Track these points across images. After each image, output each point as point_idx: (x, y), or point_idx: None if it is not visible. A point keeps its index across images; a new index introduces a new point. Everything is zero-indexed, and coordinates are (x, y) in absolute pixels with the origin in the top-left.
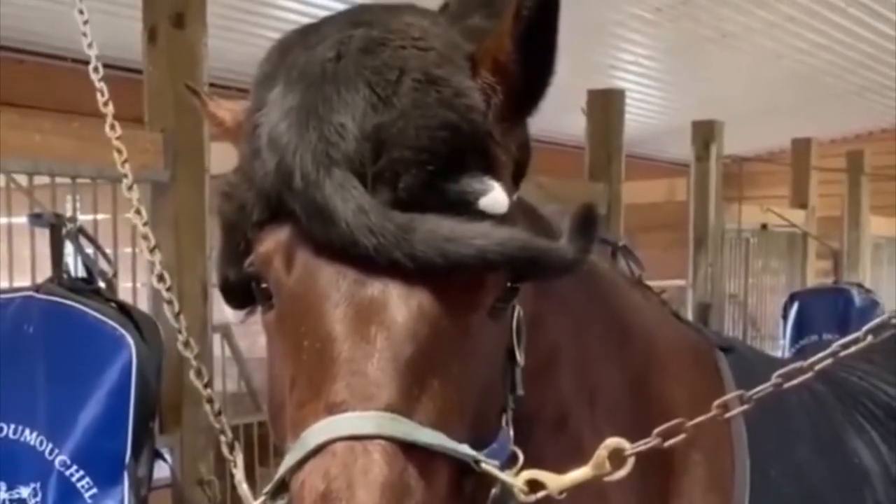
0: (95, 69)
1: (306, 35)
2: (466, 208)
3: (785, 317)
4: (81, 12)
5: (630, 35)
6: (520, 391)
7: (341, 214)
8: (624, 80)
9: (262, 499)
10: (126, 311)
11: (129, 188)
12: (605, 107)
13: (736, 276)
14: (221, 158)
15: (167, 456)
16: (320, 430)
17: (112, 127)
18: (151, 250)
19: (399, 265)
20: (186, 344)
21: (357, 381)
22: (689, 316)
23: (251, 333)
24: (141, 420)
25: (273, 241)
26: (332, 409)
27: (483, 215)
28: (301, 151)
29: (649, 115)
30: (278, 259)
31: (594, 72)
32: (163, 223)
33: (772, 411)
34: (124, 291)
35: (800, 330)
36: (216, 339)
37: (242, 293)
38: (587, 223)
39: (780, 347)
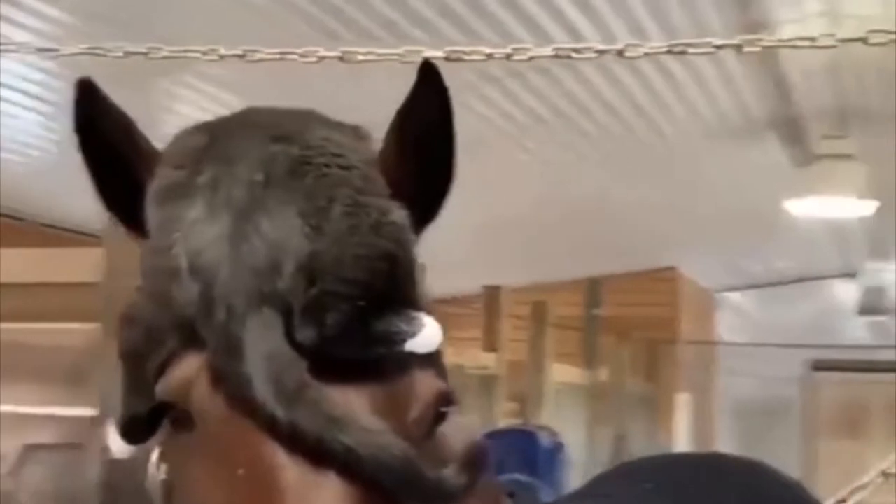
0: None
1: (217, 142)
2: (391, 347)
3: None
4: None
5: None
6: None
7: (249, 369)
8: None
9: None
10: None
11: None
12: None
13: None
14: None
15: None
16: None
17: None
18: None
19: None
20: None
21: None
22: None
23: None
24: None
25: (193, 365)
26: None
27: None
28: (230, 284)
29: None
30: (201, 384)
31: None
32: None
33: None
34: None
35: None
36: None
37: (150, 425)
38: (476, 462)
39: None
